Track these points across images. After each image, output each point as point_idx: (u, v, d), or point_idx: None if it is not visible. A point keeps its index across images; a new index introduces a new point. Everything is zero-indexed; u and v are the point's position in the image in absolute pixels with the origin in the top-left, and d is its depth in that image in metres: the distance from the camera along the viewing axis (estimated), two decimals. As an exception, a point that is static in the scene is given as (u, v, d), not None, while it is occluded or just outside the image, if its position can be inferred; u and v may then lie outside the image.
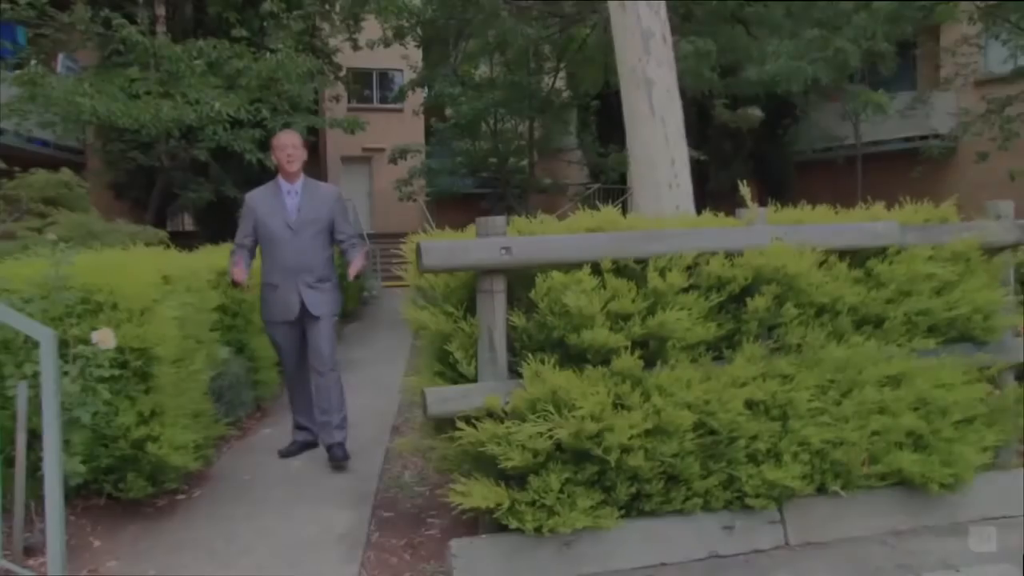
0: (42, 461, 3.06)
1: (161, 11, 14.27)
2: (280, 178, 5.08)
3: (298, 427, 5.35)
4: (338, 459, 4.95)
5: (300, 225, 4.93)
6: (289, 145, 5.06)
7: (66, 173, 9.83)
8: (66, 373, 3.49)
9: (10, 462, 3.41)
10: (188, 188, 14.03)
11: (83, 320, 3.80)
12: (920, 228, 3.98)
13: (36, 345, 3.02)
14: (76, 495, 4.20)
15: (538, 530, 3.31)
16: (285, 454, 5.24)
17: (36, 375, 3.33)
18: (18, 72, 10.51)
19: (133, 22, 11.23)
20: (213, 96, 10.73)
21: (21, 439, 3.39)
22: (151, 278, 4.10)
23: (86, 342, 3.58)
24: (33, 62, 10.41)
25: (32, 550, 3.57)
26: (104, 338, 3.49)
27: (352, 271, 4.90)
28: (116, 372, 3.80)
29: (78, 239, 7.87)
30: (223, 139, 11.32)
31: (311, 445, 5.31)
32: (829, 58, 12.02)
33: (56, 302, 3.67)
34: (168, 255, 5.31)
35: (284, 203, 4.98)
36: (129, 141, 13.48)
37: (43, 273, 3.72)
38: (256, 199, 5.09)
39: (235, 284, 5.04)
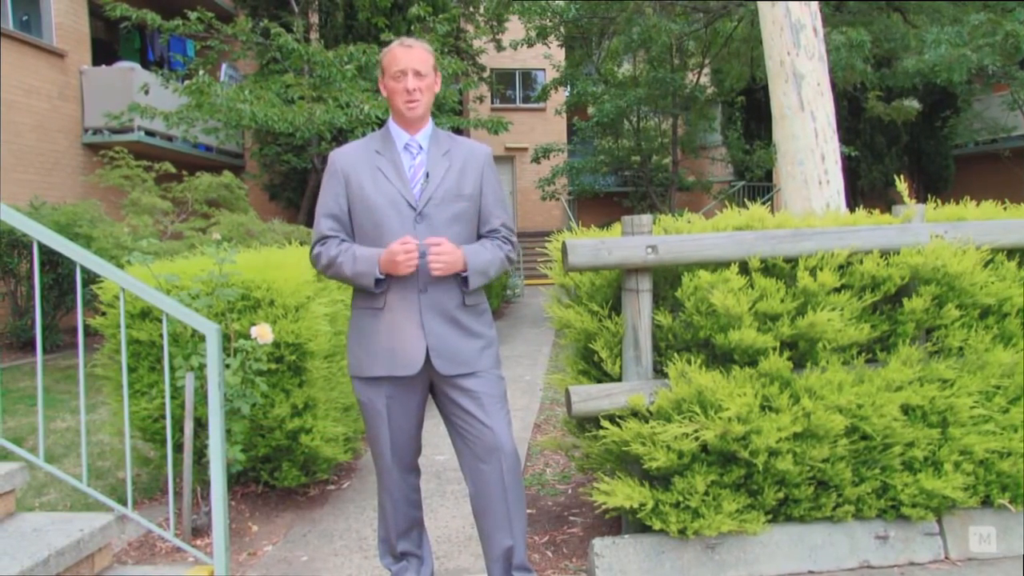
0: (207, 448, 3.25)
1: (314, 19, 14.89)
2: (392, 122, 2.97)
3: (395, 555, 3.15)
4: None
5: (432, 201, 2.82)
6: (410, 70, 2.85)
7: (227, 176, 10.43)
8: (228, 366, 3.68)
9: (179, 448, 3.64)
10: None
11: (243, 316, 4.00)
12: (1103, 224, 3.70)
13: (202, 339, 3.20)
14: (236, 482, 4.45)
15: (682, 532, 3.27)
16: None
17: (202, 367, 3.55)
18: (187, 82, 11.19)
19: (289, 31, 11.78)
20: (363, 99, 11.08)
21: (189, 427, 3.62)
22: (305, 276, 4.25)
23: (246, 336, 3.76)
24: (201, 72, 11.06)
25: (199, 531, 3.80)
26: (262, 333, 3.64)
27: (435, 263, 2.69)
28: (272, 366, 3.99)
29: (238, 238, 8.34)
30: (372, 141, 11.69)
31: None
32: (997, 43, 11.28)
33: (219, 298, 3.86)
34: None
35: (400, 164, 2.87)
36: (283, 144, 14.10)
37: (208, 270, 3.92)
38: (348, 158, 2.92)
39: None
